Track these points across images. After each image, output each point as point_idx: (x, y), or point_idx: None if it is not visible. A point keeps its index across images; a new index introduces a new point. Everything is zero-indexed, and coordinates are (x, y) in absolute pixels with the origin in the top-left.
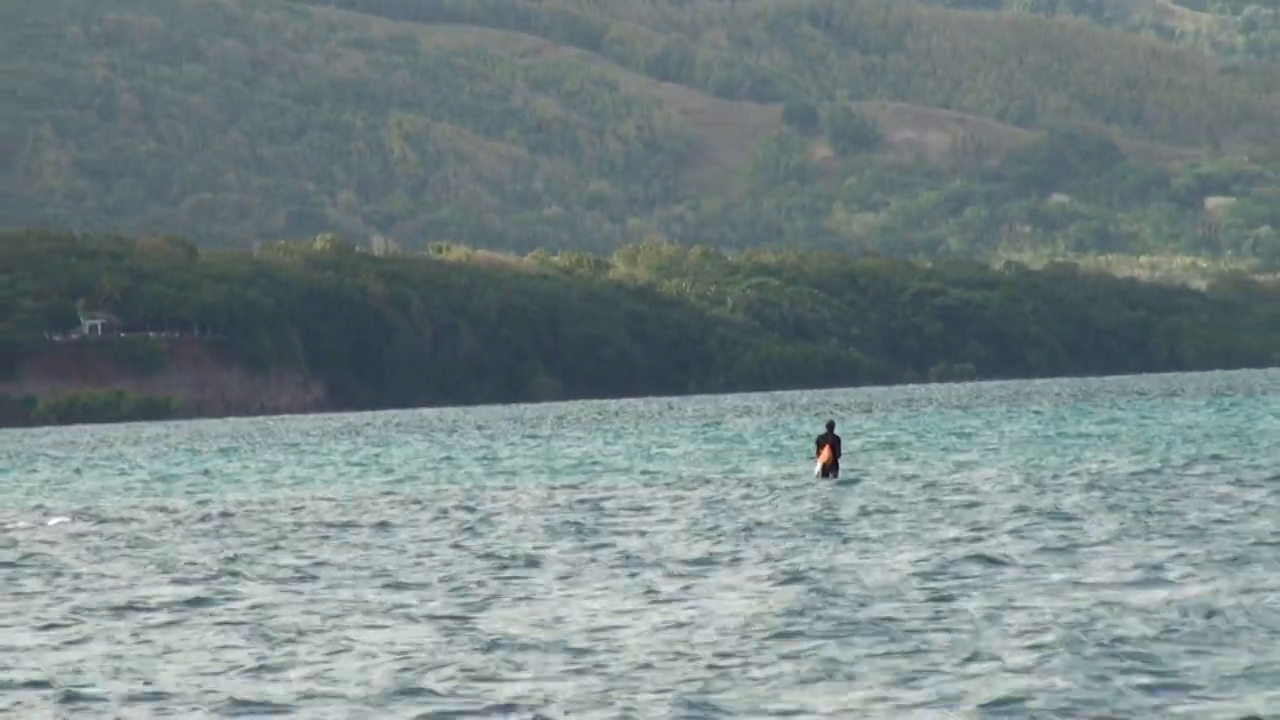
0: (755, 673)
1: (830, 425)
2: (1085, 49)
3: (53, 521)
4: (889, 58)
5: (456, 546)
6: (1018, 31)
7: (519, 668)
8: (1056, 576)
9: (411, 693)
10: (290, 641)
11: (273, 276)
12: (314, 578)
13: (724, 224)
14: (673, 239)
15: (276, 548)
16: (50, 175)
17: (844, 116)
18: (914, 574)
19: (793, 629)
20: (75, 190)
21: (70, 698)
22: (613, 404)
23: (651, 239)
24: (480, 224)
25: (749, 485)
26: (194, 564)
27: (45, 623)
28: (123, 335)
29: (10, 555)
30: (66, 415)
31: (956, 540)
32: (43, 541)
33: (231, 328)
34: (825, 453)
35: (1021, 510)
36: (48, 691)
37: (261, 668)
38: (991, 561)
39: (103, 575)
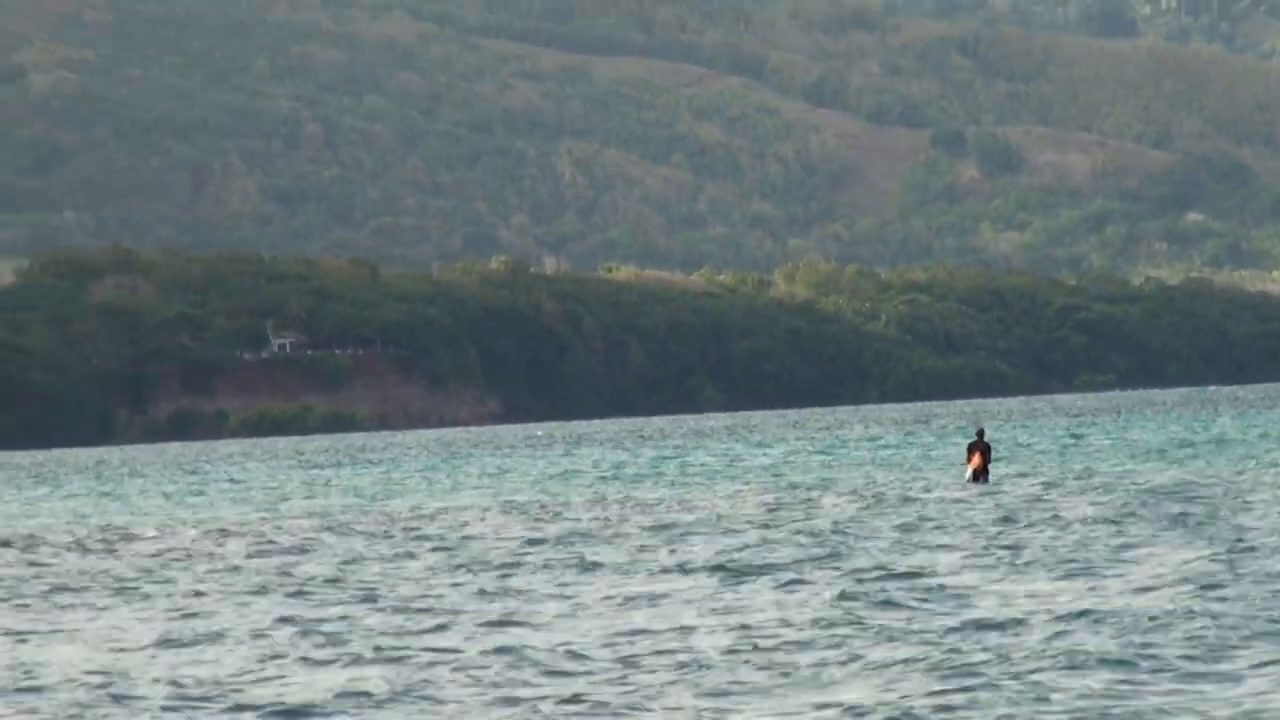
0: None
1: (980, 433)
2: (1218, 75)
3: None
4: (1032, 85)
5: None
6: (1154, 59)
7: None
8: None
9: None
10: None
11: (450, 295)
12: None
13: (877, 242)
14: (829, 257)
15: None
16: (239, 201)
17: (990, 140)
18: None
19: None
20: (263, 215)
21: None
22: (791, 414)
23: (810, 257)
24: (648, 244)
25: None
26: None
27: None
28: (310, 352)
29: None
30: (257, 428)
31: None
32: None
33: (412, 344)
34: (976, 458)
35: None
36: None
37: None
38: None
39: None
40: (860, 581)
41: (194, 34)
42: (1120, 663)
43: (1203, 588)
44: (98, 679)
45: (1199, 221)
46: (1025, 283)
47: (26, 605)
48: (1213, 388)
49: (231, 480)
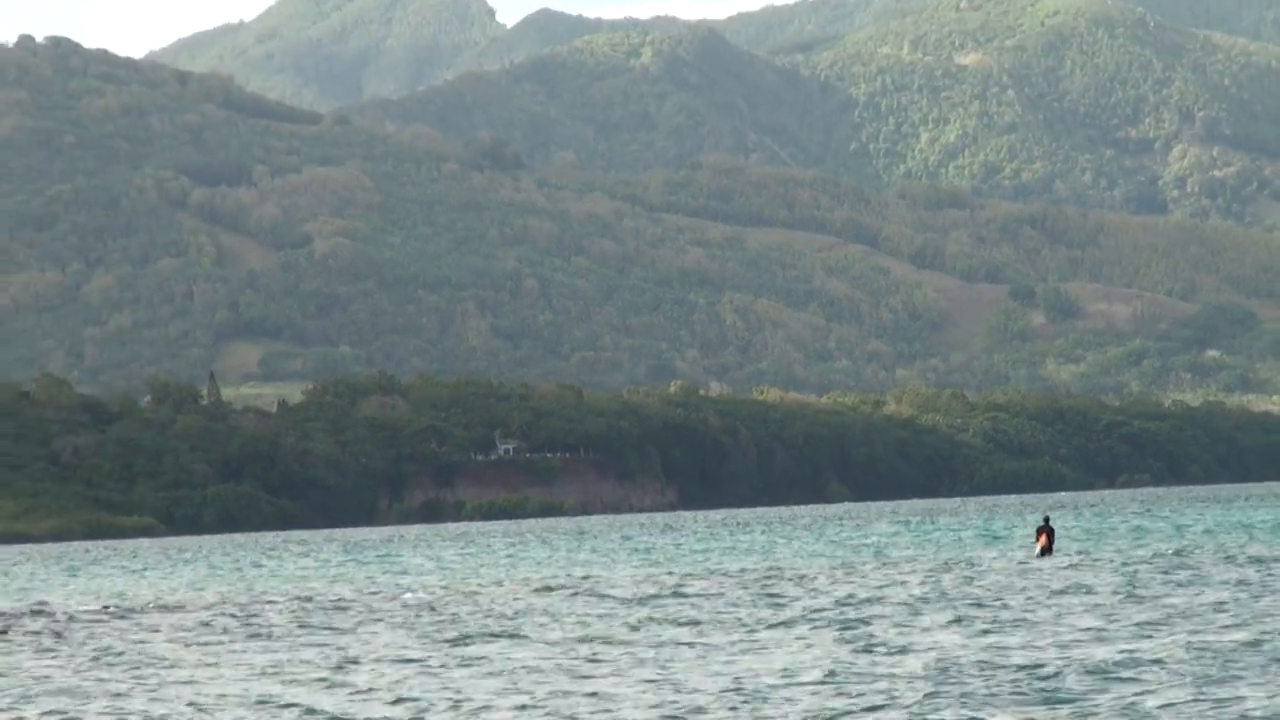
0: None
1: (1046, 519)
2: (1231, 244)
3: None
4: (1086, 251)
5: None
6: (1181, 231)
7: None
8: None
9: None
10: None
11: (638, 412)
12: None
13: (966, 372)
14: (929, 384)
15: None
16: (474, 339)
17: (1054, 294)
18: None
19: None
20: (493, 350)
21: None
22: (902, 504)
23: (914, 384)
24: (790, 373)
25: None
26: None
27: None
28: (528, 455)
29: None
30: (487, 514)
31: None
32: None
33: (607, 449)
34: (1043, 538)
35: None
36: None
37: None
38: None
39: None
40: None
41: (441, 210)
42: None
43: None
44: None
45: (1216, 357)
46: (1080, 404)
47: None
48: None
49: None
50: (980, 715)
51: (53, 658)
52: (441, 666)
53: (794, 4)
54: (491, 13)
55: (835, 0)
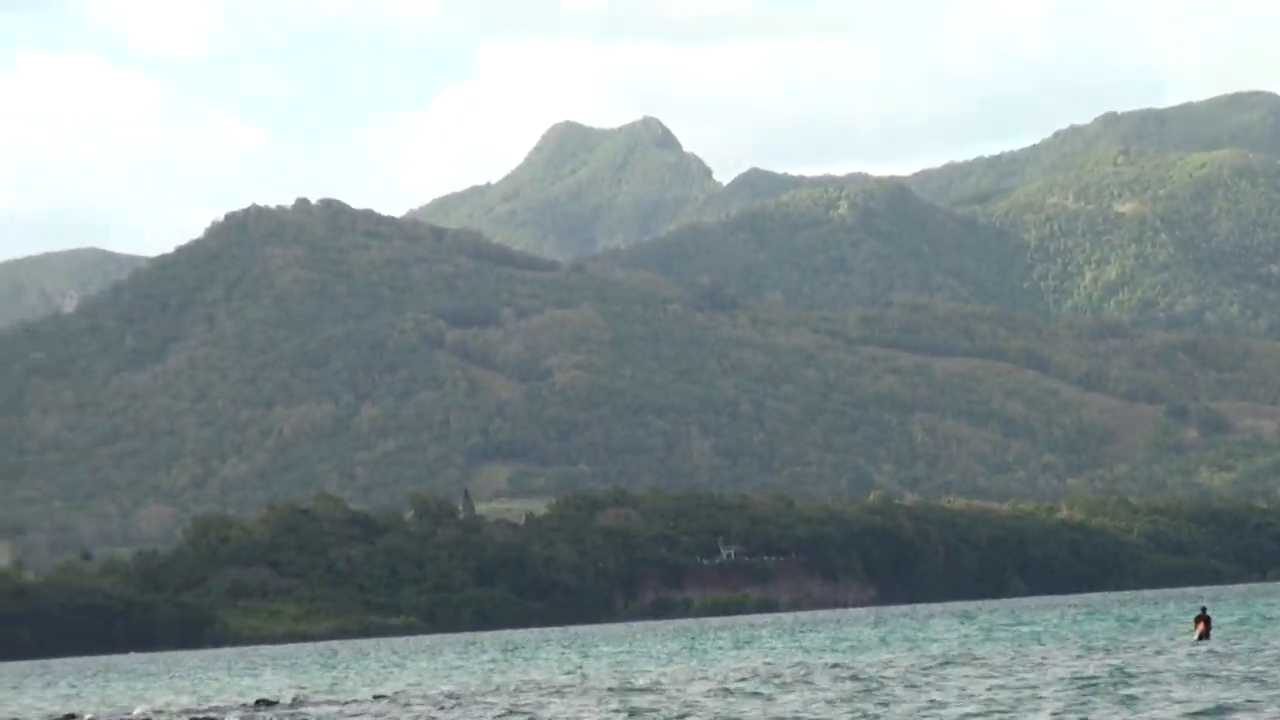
0: None
1: (1203, 609)
2: None
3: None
4: (1235, 373)
5: None
6: None
7: None
8: None
9: None
10: None
11: (841, 519)
12: None
13: (1129, 481)
14: (1096, 491)
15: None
16: (697, 456)
17: (1206, 411)
18: None
19: None
20: (713, 466)
21: None
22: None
23: (1083, 492)
24: (973, 484)
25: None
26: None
27: None
28: (747, 558)
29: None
30: (711, 610)
31: None
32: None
33: (816, 552)
34: (1201, 626)
35: None
36: None
37: None
38: None
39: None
40: None
41: (666, 345)
42: None
43: None
44: None
45: None
46: (1232, 506)
47: None
48: None
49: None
50: None
51: None
52: None
53: (971, 160)
54: (709, 172)
55: (1008, 157)
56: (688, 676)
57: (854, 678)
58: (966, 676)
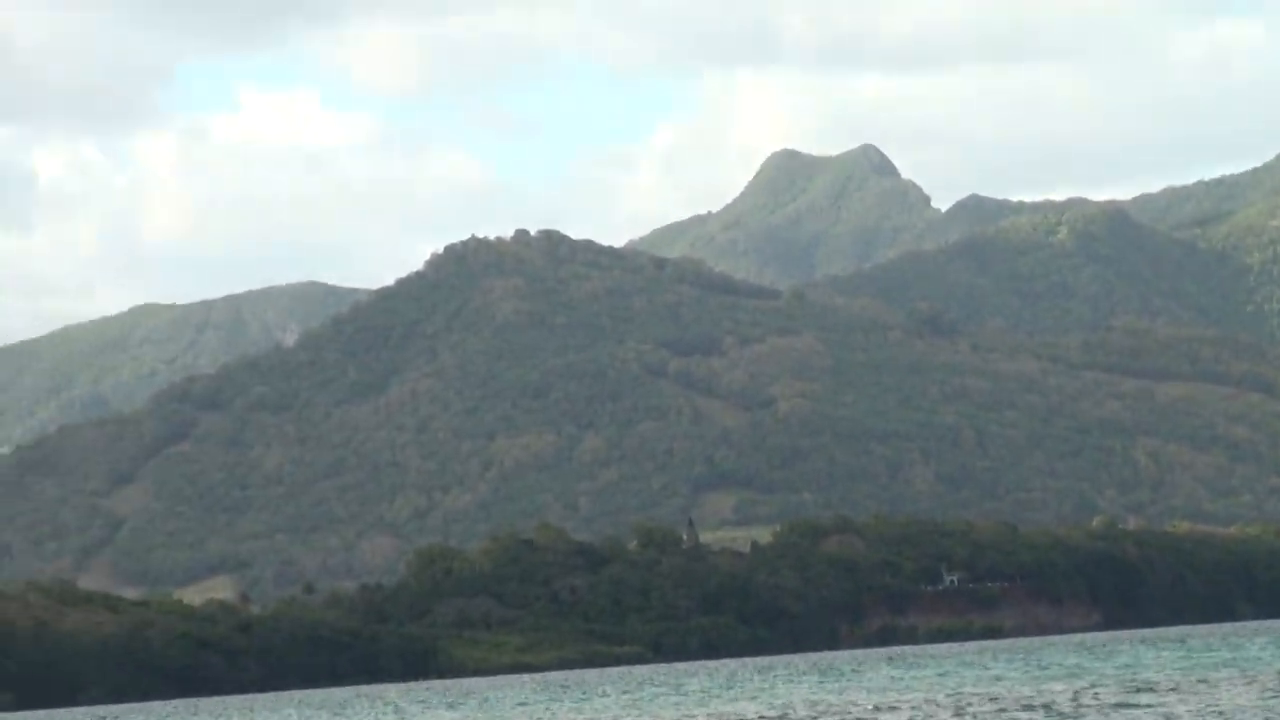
0: None
1: None
2: None
3: None
4: None
5: None
6: None
7: None
8: None
9: None
10: None
11: (1065, 544)
12: None
13: None
14: None
15: None
16: (920, 484)
17: None
18: None
19: None
20: (936, 493)
21: None
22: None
23: None
24: (1198, 508)
25: None
26: None
27: None
28: (971, 585)
29: None
30: (935, 637)
31: None
32: None
33: (1040, 578)
34: None
35: None
36: None
37: None
38: None
39: None
40: None
41: (887, 372)
42: None
43: None
44: None
45: None
46: None
47: None
48: None
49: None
50: None
51: None
52: None
53: (1191, 184)
54: (927, 199)
55: (1230, 180)
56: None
57: None
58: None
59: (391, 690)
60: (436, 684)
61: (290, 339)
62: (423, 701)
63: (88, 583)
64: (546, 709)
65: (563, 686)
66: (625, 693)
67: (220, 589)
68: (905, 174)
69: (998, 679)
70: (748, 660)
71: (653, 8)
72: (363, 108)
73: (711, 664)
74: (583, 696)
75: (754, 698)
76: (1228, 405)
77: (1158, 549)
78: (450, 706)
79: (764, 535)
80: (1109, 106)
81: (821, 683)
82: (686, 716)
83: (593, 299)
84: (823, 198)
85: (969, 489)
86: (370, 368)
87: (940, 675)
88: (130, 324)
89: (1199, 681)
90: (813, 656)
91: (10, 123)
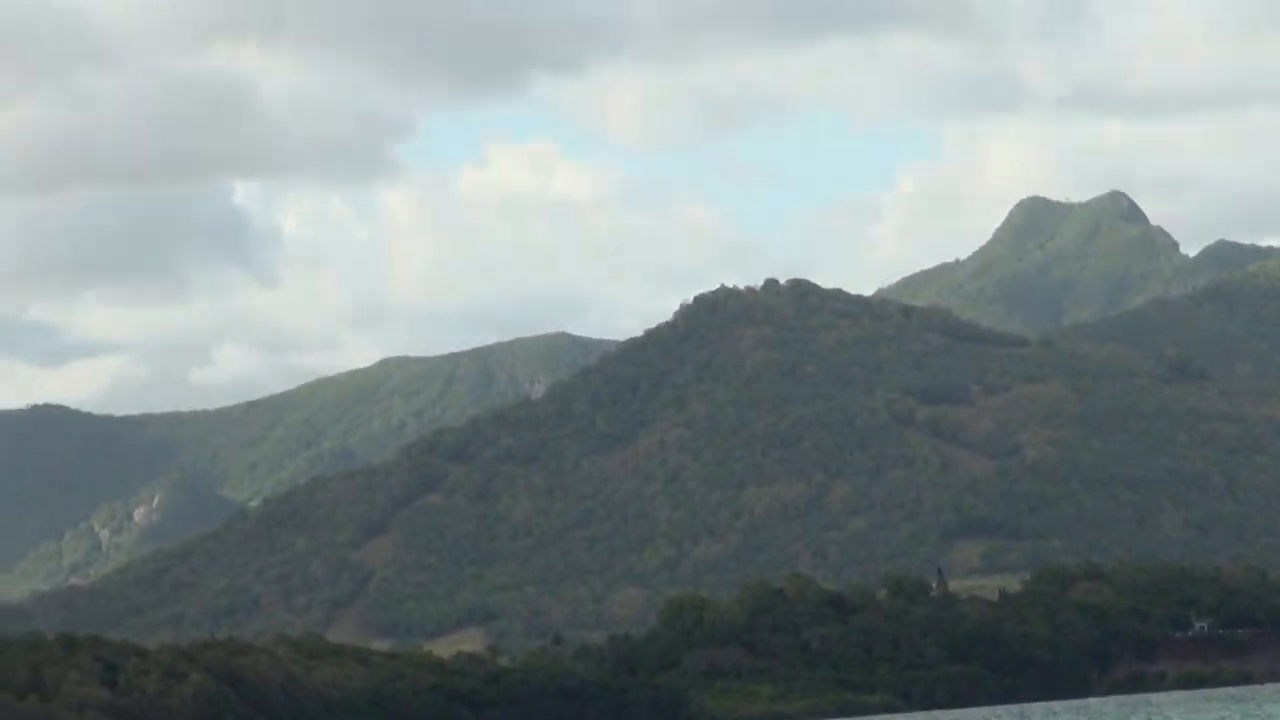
0: None
1: None
2: None
3: None
4: None
5: None
6: None
7: None
8: None
9: None
10: None
11: None
12: None
13: None
14: None
15: None
16: (1168, 529)
17: None
18: None
19: None
20: (1184, 539)
21: None
22: None
23: None
24: None
25: None
26: None
27: None
28: (1220, 631)
29: None
30: (1185, 684)
31: None
32: None
33: None
34: None
35: None
36: None
37: None
38: None
39: None
40: None
41: (1135, 418)
42: None
43: None
44: None
45: None
46: None
47: None
48: None
49: None
50: None
51: None
52: None
53: None
54: (1175, 245)
55: None
56: None
57: None
58: None
59: None
60: None
61: (538, 391)
62: None
63: (337, 635)
64: None
65: None
66: None
67: (469, 641)
68: (1153, 219)
69: None
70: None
71: (896, 55)
72: (607, 156)
73: (961, 713)
74: None
75: None
76: None
77: None
78: None
79: (1012, 583)
80: None
81: None
82: None
83: (841, 348)
84: (1070, 244)
85: (1218, 534)
86: (618, 418)
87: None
88: (379, 377)
89: None
90: (1071, 703)
91: (257, 178)
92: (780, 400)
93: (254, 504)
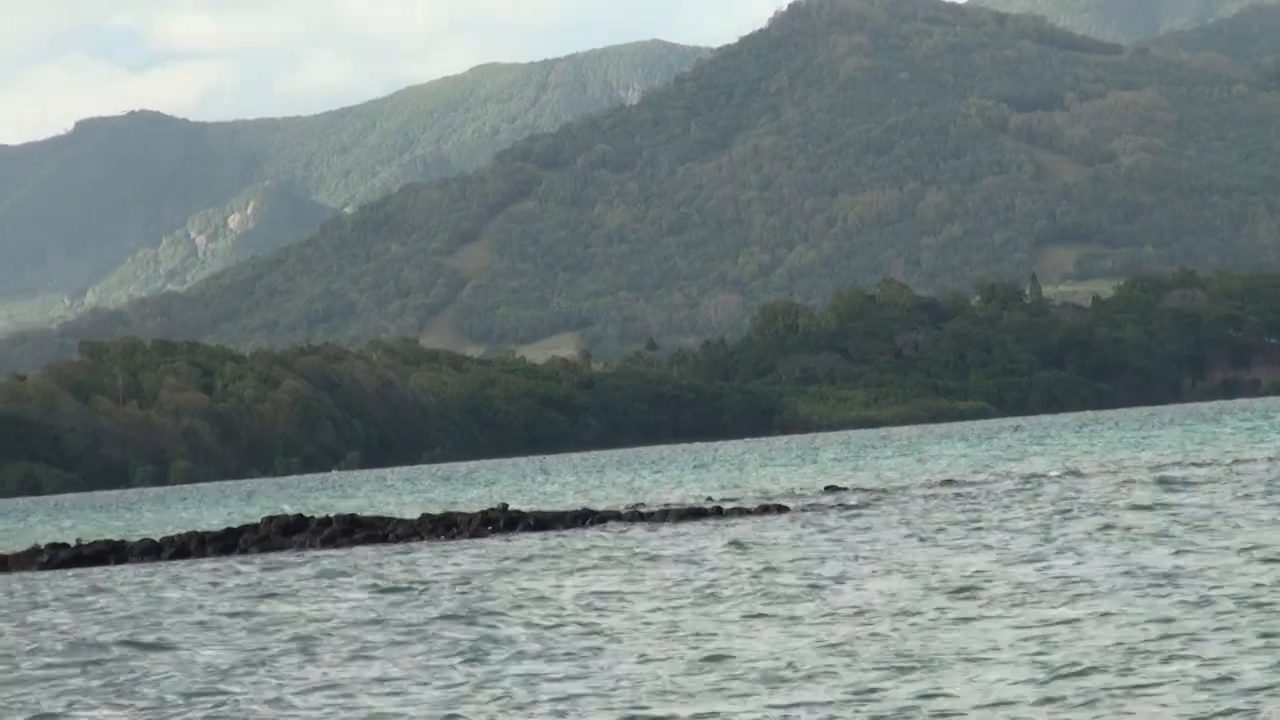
0: None
1: None
2: None
3: None
4: None
5: None
6: None
7: None
8: None
9: None
10: None
11: None
12: None
13: None
14: None
15: None
16: (1264, 236)
17: None
18: None
19: None
20: (1279, 246)
21: None
22: None
23: None
24: None
25: None
26: None
27: None
28: None
29: None
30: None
31: None
32: None
33: None
34: None
35: None
36: None
37: None
38: None
39: None
40: None
41: (1231, 126)
42: None
43: None
44: None
45: None
46: None
47: None
48: None
49: None
50: None
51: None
52: None
53: None
54: None
55: None
56: None
57: None
58: None
59: (737, 445)
60: (779, 439)
61: (633, 97)
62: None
63: (431, 341)
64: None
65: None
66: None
67: (563, 347)
68: None
69: None
70: (1088, 414)
71: None
72: None
73: (1053, 418)
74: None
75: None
76: None
77: None
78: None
79: (1106, 289)
80: None
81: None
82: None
83: (935, 55)
84: None
85: None
86: (713, 125)
87: None
88: (472, 83)
89: None
90: (1165, 409)
91: None
92: (873, 107)
93: (348, 211)
